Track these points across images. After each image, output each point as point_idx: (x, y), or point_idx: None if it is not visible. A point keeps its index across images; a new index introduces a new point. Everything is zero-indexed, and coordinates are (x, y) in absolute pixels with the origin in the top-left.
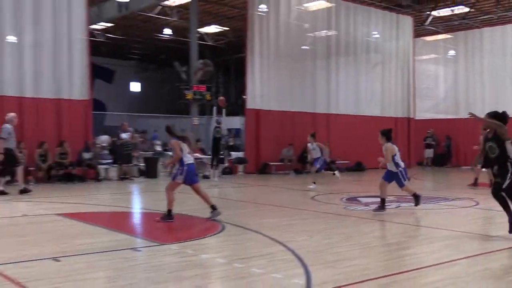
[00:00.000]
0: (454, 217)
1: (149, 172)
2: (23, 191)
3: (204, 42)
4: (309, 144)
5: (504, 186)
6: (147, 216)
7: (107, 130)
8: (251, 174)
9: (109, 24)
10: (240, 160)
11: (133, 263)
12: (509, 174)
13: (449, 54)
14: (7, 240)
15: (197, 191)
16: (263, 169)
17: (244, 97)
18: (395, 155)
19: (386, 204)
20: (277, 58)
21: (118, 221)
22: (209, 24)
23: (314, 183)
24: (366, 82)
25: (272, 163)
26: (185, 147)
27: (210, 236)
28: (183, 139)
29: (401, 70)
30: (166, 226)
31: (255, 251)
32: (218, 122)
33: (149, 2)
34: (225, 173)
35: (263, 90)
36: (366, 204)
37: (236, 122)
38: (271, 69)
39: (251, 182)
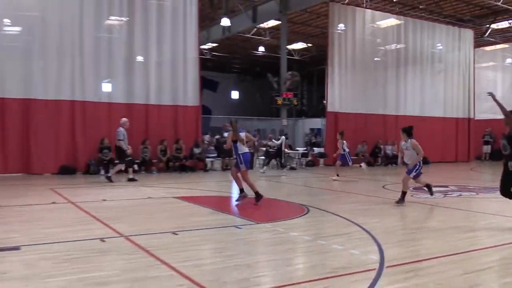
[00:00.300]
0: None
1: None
2: (131, 180)
3: (292, 57)
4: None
5: None
6: (244, 200)
7: (212, 130)
8: (330, 166)
9: (214, 44)
10: (321, 155)
11: (235, 238)
12: None
13: (506, 62)
14: (138, 217)
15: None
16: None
17: (324, 102)
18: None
19: (448, 193)
20: (353, 69)
21: (222, 203)
22: (296, 41)
23: (338, 175)
24: (430, 87)
25: None
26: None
27: (297, 217)
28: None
29: (462, 76)
30: (261, 208)
31: (335, 231)
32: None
33: (247, 25)
34: (308, 165)
35: (341, 95)
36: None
37: (317, 122)
38: (347, 78)
39: (331, 173)
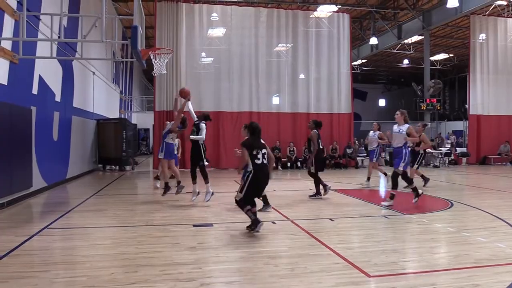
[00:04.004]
0: None
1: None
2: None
3: (434, 67)
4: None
5: None
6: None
7: (361, 133)
8: (472, 165)
9: (364, 60)
10: (463, 154)
11: (384, 226)
12: None
13: None
14: (301, 205)
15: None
16: (482, 161)
17: (466, 105)
18: None
19: None
20: (495, 74)
21: (371, 196)
22: (438, 53)
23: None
24: None
25: (490, 156)
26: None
27: (441, 210)
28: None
29: None
30: (407, 201)
31: (479, 224)
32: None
33: (393, 41)
34: (451, 163)
35: (483, 99)
36: None
37: (460, 125)
38: (489, 83)
39: (473, 171)
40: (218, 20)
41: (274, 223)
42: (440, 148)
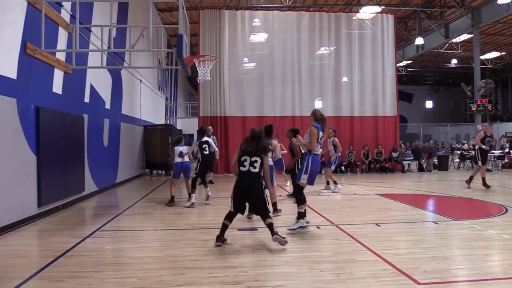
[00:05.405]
0: None
1: (441, 166)
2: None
3: (485, 66)
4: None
5: None
6: (440, 198)
7: (408, 136)
8: None
9: (409, 61)
10: None
11: (433, 232)
12: None
13: None
14: (346, 209)
15: None
16: None
17: None
18: None
19: None
20: None
21: (419, 200)
22: (489, 51)
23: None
24: None
25: None
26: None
27: (496, 216)
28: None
29: None
30: (458, 206)
31: None
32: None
33: (440, 41)
34: (504, 167)
35: None
36: None
37: None
38: None
39: None
40: (260, 26)
41: (319, 228)
42: (493, 151)
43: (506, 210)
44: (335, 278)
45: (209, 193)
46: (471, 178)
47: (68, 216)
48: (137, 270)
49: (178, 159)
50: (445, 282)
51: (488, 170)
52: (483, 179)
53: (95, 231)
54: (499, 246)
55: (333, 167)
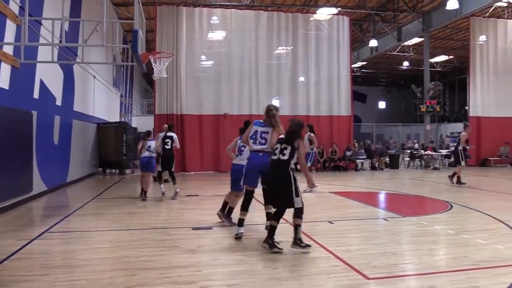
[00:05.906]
0: None
1: (392, 164)
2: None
3: (434, 68)
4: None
5: None
6: (390, 195)
7: (361, 136)
8: (472, 166)
9: (363, 63)
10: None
11: (383, 228)
12: None
13: None
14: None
15: None
16: (483, 163)
17: (466, 107)
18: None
19: None
20: (495, 75)
21: (371, 198)
22: (438, 55)
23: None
24: None
25: (491, 158)
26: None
27: (441, 212)
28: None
29: None
30: (407, 203)
31: (478, 226)
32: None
33: (392, 44)
34: (451, 165)
35: (483, 101)
36: None
37: (460, 127)
38: (490, 84)
39: (473, 173)
40: (218, 24)
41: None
42: (440, 150)
43: (451, 207)
44: (289, 275)
45: (177, 190)
46: (455, 175)
47: (15, 217)
48: (87, 272)
49: (145, 153)
50: (393, 277)
51: (435, 169)
52: (459, 177)
53: (43, 233)
54: (443, 241)
55: (309, 164)
